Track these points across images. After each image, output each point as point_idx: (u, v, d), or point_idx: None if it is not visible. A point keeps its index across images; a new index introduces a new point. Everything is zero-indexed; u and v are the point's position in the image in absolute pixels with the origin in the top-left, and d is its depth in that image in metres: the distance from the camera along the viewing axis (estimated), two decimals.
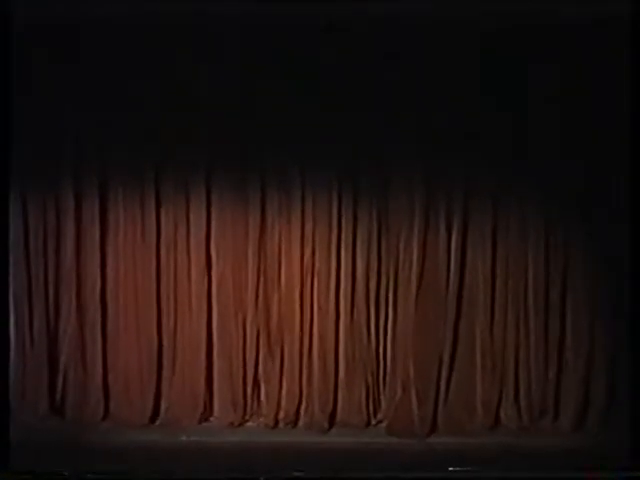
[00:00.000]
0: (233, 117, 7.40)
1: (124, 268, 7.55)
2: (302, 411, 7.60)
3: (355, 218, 7.54)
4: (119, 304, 7.57)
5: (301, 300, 7.56)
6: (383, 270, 7.57)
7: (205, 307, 7.59)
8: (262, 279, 7.56)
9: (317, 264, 7.53)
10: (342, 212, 7.54)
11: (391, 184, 7.52)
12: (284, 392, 7.59)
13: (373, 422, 7.69)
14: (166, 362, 7.61)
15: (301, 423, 7.60)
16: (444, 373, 7.56)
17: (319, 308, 7.56)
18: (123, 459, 6.78)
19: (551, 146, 7.27)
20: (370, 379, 7.64)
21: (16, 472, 5.60)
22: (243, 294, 7.58)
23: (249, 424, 7.67)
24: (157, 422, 7.61)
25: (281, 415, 7.62)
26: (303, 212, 7.55)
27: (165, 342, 7.60)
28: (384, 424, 7.63)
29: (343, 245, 7.54)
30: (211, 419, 7.69)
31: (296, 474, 6.23)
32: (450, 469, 6.46)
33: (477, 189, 7.43)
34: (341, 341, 7.58)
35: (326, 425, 7.57)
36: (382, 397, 7.69)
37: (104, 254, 7.54)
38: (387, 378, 7.63)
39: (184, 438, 7.38)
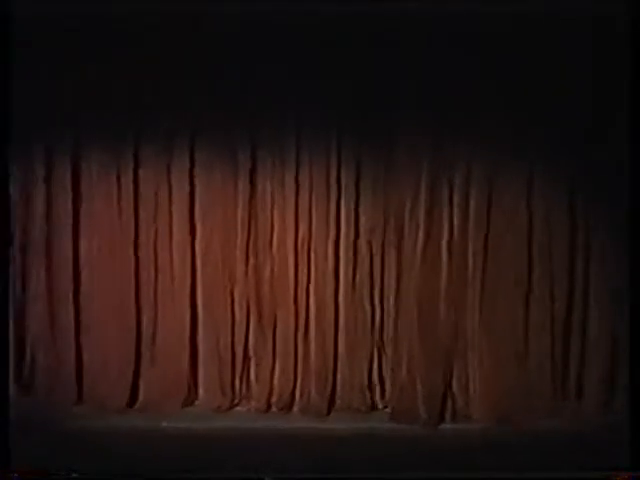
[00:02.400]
0: (220, 70, 7.07)
1: (99, 237, 7.24)
2: (297, 394, 7.32)
3: (357, 184, 7.25)
4: (94, 276, 7.25)
5: (296, 272, 7.25)
6: (386, 241, 7.29)
7: (189, 279, 7.29)
8: (252, 249, 7.28)
9: (314, 232, 7.25)
10: (342, 177, 7.24)
11: (395, 150, 7.22)
12: (277, 373, 7.32)
13: (377, 406, 7.42)
14: (146, 339, 7.32)
15: (296, 407, 7.32)
16: (452, 353, 7.29)
17: (316, 281, 7.26)
18: (98, 446, 6.54)
19: (552, 133, 7.08)
20: (372, 358, 7.37)
21: (17, 472, 5.61)
22: (231, 265, 7.30)
23: (238, 409, 7.40)
24: (136, 406, 7.33)
25: (274, 398, 7.33)
26: (298, 176, 7.23)
27: (145, 317, 7.31)
28: (389, 409, 7.35)
29: (343, 213, 7.26)
30: (196, 403, 7.42)
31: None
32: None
33: (482, 158, 7.18)
34: (341, 317, 7.30)
35: (324, 409, 7.27)
36: (386, 379, 7.42)
37: (77, 223, 7.24)
38: (391, 357, 7.35)
39: (165, 424, 7.10)
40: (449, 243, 7.19)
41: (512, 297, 7.19)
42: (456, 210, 7.16)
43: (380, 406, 7.41)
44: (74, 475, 5.79)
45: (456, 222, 7.16)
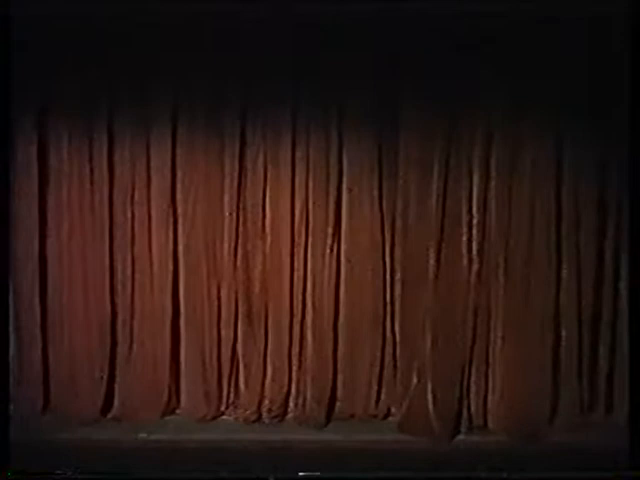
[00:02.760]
0: (206, 32, 6.74)
1: (69, 222, 6.98)
2: (291, 401, 7.12)
3: (361, 160, 6.96)
4: (62, 267, 7.01)
5: (291, 262, 7.01)
6: (395, 228, 7.04)
7: (170, 270, 7.03)
8: (242, 235, 7.05)
9: (311, 217, 7.01)
10: (343, 154, 6.96)
11: (404, 122, 6.92)
12: (269, 378, 7.10)
13: (382, 415, 7.17)
14: (121, 340, 7.10)
15: (290, 416, 7.12)
16: (469, 355, 6.97)
17: (313, 272, 7.02)
18: (67, 460, 6.27)
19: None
20: (378, 360, 7.11)
21: (15, 472, 5.57)
22: (218, 254, 7.06)
23: (224, 418, 7.18)
24: (110, 416, 7.12)
25: (265, 406, 7.11)
26: (294, 153, 6.95)
27: (120, 314, 7.09)
28: (396, 418, 7.10)
29: (344, 194, 6.97)
30: (177, 412, 7.20)
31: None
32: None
33: (502, 140, 6.93)
34: (341, 313, 7.06)
35: (322, 419, 7.04)
36: (393, 383, 7.14)
37: (43, 205, 6.98)
38: (399, 359, 7.09)
39: (144, 436, 6.88)
40: (469, 228, 6.89)
41: (538, 294, 6.93)
42: (475, 191, 6.88)
43: (386, 415, 7.19)
44: (74, 475, 5.80)
45: (475, 208, 6.89)
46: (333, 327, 7.07)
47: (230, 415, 7.15)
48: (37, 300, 6.96)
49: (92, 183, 6.92)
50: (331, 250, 7.01)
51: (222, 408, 7.15)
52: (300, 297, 7.04)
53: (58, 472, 5.82)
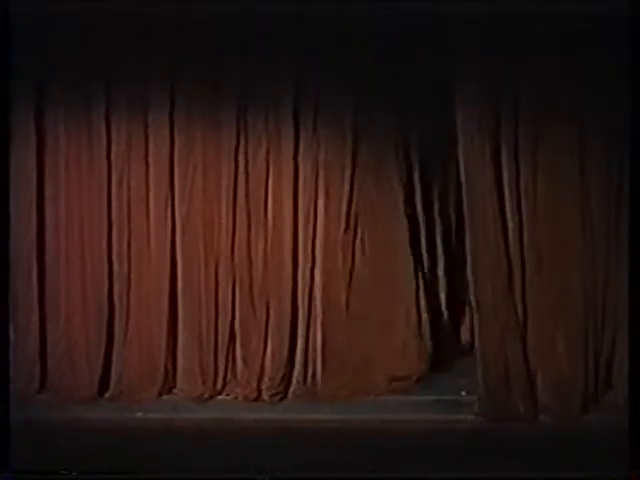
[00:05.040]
0: (205, 10, 6.56)
1: (66, 200, 6.93)
2: (298, 377, 7.00)
3: (369, 134, 6.97)
4: (59, 246, 6.96)
5: (294, 241, 6.94)
6: (415, 199, 7.27)
7: (168, 250, 6.99)
8: (242, 214, 6.98)
9: (318, 193, 6.97)
10: (358, 131, 6.94)
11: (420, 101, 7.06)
12: (269, 353, 6.99)
13: (396, 390, 7.03)
14: (118, 319, 7.06)
15: (296, 393, 6.98)
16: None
17: (322, 249, 6.98)
18: (64, 440, 6.21)
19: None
20: (400, 327, 7.10)
21: (16, 472, 5.48)
22: (216, 233, 7.00)
23: (222, 397, 7.11)
24: (106, 394, 7.07)
25: (265, 383, 6.98)
26: (297, 121, 6.89)
27: (117, 293, 7.02)
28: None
29: (350, 167, 6.96)
30: (174, 391, 7.16)
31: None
32: None
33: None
34: (355, 282, 7.03)
35: (336, 392, 6.94)
36: (417, 352, 7.12)
37: (41, 182, 6.92)
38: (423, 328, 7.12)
39: (140, 414, 6.84)
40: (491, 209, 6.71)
41: (565, 278, 6.81)
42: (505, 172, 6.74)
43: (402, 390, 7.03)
44: (74, 474, 5.67)
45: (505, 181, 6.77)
46: (345, 298, 6.97)
47: (228, 394, 7.07)
48: (35, 277, 6.89)
49: (90, 158, 6.84)
50: (346, 226, 6.93)
51: (220, 387, 7.04)
52: (308, 274, 6.93)
53: (58, 472, 5.70)
